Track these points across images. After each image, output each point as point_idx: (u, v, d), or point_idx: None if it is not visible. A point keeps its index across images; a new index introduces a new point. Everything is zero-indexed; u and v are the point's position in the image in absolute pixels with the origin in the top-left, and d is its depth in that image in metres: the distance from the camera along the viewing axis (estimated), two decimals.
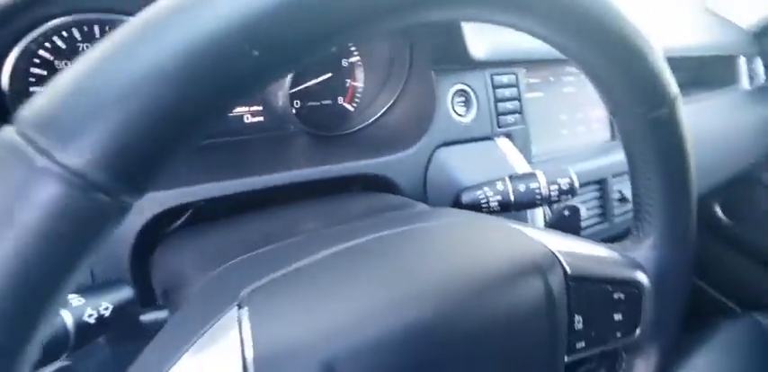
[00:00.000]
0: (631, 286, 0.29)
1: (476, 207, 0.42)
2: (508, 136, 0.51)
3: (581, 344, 0.28)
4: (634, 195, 0.30)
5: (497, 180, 0.42)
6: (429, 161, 0.44)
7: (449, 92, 0.46)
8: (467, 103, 0.48)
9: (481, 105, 0.48)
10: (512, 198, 0.41)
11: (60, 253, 0.13)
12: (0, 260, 0.12)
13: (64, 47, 0.35)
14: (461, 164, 0.45)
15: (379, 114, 0.49)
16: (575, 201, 0.46)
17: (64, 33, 0.34)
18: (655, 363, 0.32)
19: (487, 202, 0.42)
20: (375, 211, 0.35)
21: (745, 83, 0.89)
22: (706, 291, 1.02)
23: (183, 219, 0.36)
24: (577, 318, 0.27)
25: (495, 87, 0.49)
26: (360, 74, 0.49)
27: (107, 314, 0.28)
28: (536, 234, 0.28)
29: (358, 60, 0.49)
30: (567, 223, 0.42)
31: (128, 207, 0.14)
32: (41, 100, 0.13)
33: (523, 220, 0.46)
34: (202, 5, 0.14)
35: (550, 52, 0.24)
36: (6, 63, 0.33)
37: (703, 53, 0.79)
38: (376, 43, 0.48)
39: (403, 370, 0.21)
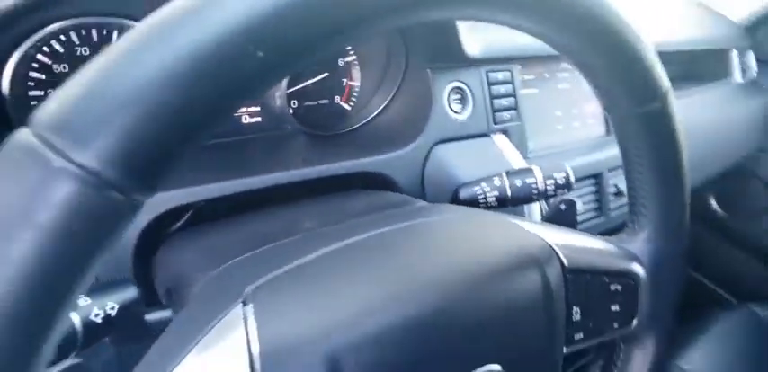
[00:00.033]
0: (628, 277, 0.30)
1: (474, 202, 0.42)
2: (504, 132, 0.51)
3: (579, 335, 0.28)
4: (629, 188, 0.31)
5: (494, 175, 0.43)
6: (426, 158, 0.45)
7: (445, 89, 0.46)
8: (463, 101, 0.48)
9: (477, 102, 0.49)
10: (509, 193, 0.42)
11: (76, 252, 0.13)
12: (18, 259, 0.12)
13: (62, 51, 0.35)
14: (459, 161, 0.46)
15: (375, 113, 0.50)
16: (571, 196, 0.47)
17: (62, 37, 0.34)
18: (652, 353, 0.33)
19: (485, 198, 0.42)
20: (374, 209, 0.35)
21: (737, 76, 0.89)
22: (702, 283, 1.03)
23: (184, 220, 0.36)
24: (575, 310, 0.28)
25: (490, 84, 0.49)
26: (356, 73, 0.50)
27: (113, 313, 0.29)
28: (533, 228, 0.29)
29: (354, 59, 0.49)
30: (563, 217, 0.42)
31: (139, 205, 0.14)
32: (56, 102, 0.14)
33: (521, 215, 0.47)
34: (208, 8, 0.14)
35: (545, 49, 0.25)
36: (6, 68, 0.33)
37: (696, 47, 0.80)
38: (372, 42, 0.49)
39: (405, 362, 0.21)
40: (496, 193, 0.42)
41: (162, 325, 0.30)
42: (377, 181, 0.43)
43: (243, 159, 0.41)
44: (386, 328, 0.21)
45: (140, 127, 0.13)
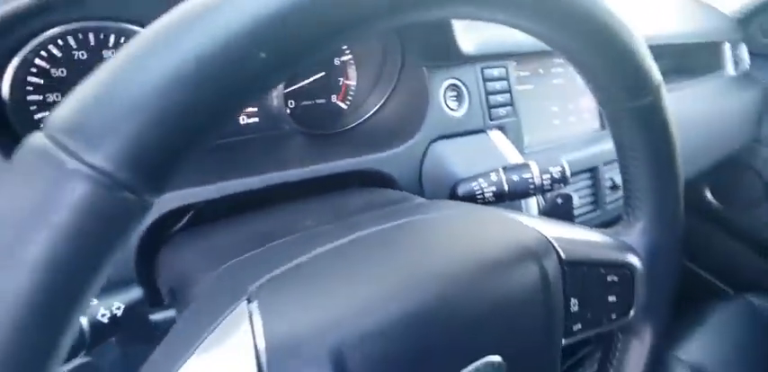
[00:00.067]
0: (624, 268, 0.30)
1: (471, 198, 0.43)
2: (500, 128, 0.51)
3: (577, 326, 0.29)
4: (624, 181, 0.31)
5: (491, 171, 0.43)
6: (424, 155, 0.45)
7: (441, 87, 0.47)
8: (459, 98, 0.49)
9: (473, 99, 0.49)
10: (506, 188, 0.42)
11: (91, 251, 0.14)
12: (35, 259, 0.13)
13: (60, 55, 0.35)
14: (456, 158, 0.46)
15: (372, 111, 0.50)
16: (567, 190, 0.47)
17: (59, 42, 0.35)
18: (649, 344, 0.33)
19: (482, 193, 0.42)
20: (374, 206, 0.35)
21: (730, 69, 0.90)
22: (698, 274, 1.04)
23: (185, 220, 0.36)
24: (573, 301, 0.28)
25: (485, 81, 0.50)
26: (352, 72, 0.50)
27: (119, 313, 0.29)
28: (531, 222, 0.29)
29: (350, 59, 0.50)
30: (560, 211, 0.43)
31: (149, 205, 0.15)
32: (69, 106, 0.14)
33: (518, 209, 0.47)
34: (212, 13, 0.15)
35: (539, 45, 0.25)
36: (6, 72, 0.34)
37: (688, 40, 0.80)
38: (368, 41, 0.49)
39: (407, 354, 0.22)
40: (494, 188, 0.42)
41: (166, 325, 0.30)
42: (375, 179, 0.43)
43: (242, 159, 0.41)
44: (389, 322, 0.21)
45: (150, 128, 0.14)
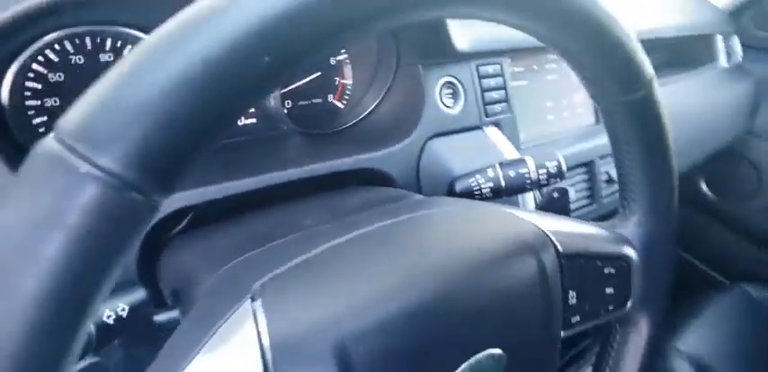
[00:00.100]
0: (621, 260, 0.31)
1: (469, 194, 0.43)
2: (496, 124, 0.52)
3: (576, 318, 0.29)
4: (619, 175, 0.32)
5: (488, 167, 0.43)
6: (421, 153, 0.46)
7: (436, 84, 0.47)
8: (454, 95, 0.49)
9: (468, 96, 0.49)
10: (503, 183, 0.43)
11: (104, 252, 0.14)
12: (50, 259, 0.13)
13: (57, 60, 0.35)
14: (453, 154, 0.46)
15: (369, 110, 0.50)
16: (563, 184, 0.48)
17: (56, 46, 0.35)
18: (647, 334, 0.34)
19: (480, 189, 0.43)
20: (373, 204, 0.36)
21: (722, 61, 0.90)
22: (695, 265, 1.05)
23: (185, 222, 0.36)
24: (571, 294, 0.28)
25: (480, 78, 0.50)
26: (348, 71, 0.50)
27: (124, 315, 0.30)
28: (528, 216, 0.29)
29: (346, 58, 0.50)
30: (556, 205, 0.43)
31: (157, 205, 0.15)
32: (78, 112, 0.14)
33: (515, 205, 0.48)
34: (218, 17, 0.15)
35: (533, 41, 0.25)
36: (6, 78, 0.34)
37: (681, 33, 0.81)
38: (364, 41, 0.49)
39: (410, 348, 0.22)
40: (491, 184, 0.43)
41: (170, 326, 0.31)
42: (373, 178, 0.43)
43: (240, 160, 0.41)
44: (391, 317, 0.22)
45: (158, 131, 0.14)
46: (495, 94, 0.51)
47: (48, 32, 0.33)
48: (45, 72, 0.35)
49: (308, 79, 0.48)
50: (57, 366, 0.14)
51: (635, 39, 0.26)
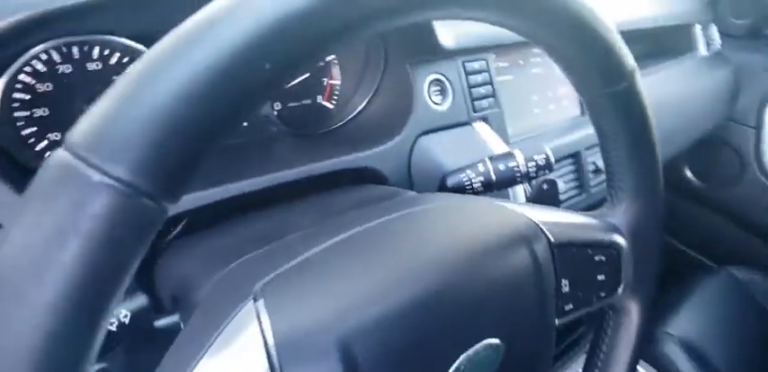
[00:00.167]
0: (611, 248, 0.32)
1: (461, 189, 0.44)
2: (484, 119, 0.52)
3: (569, 306, 0.30)
4: (606, 164, 0.32)
5: (478, 162, 0.44)
6: (412, 150, 0.46)
7: (424, 82, 0.48)
8: (442, 92, 0.49)
9: (456, 92, 0.50)
10: (493, 177, 0.43)
11: (118, 257, 0.15)
12: (68, 269, 0.14)
13: (44, 70, 0.35)
14: (443, 150, 0.47)
15: (358, 110, 0.51)
16: (552, 176, 0.49)
17: (43, 56, 0.34)
18: (638, 318, 0.35)
19: (471, 184, 0.44)
20: (367, 202, 0.36)
21: (702, 49, 0.92)
22: (682, 249, 1.07)
23: (179, 228, 0.36)
24: (564, 282, 0.29)
25: (467, 74, 0.51)
26: (336, 72, 0.50)
27: (126, 321, 0.30)
28: (519, 209, 0.30)
29: (333, 58, 0.50)
30: (546, 196, 0.44)
31: (166, 210, 0.15)
32: (88, 123, 0.15)
33: (506, 198, 0.48)
34: (220, 28, 0.15)
35: (516, 36, 0.26)
36: None
37: (660, 23, 0.82)
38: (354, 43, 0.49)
39: (411, 341, 0.23)
40: (482, 178, 0.43)
41: (171, 331, 0.31)
42: (366, 176, 0.44)
43: (232, 164, 0.41)
44: (391, 311, 0.22)
45: (165, 140, 0.15)
46: (482, 90, 0.52)
47: (37, 44, 0.33)
48: (33, 82, 0.35)
49: (296, 81, 0.48)
50: (76, 369, 0.14)
51: (615, 31, 0.27)
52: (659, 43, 0.89)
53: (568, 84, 0.30)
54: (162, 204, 0.15)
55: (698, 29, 0.92)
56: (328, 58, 0.50)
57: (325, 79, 0.50)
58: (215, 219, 0.37)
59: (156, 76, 0.15)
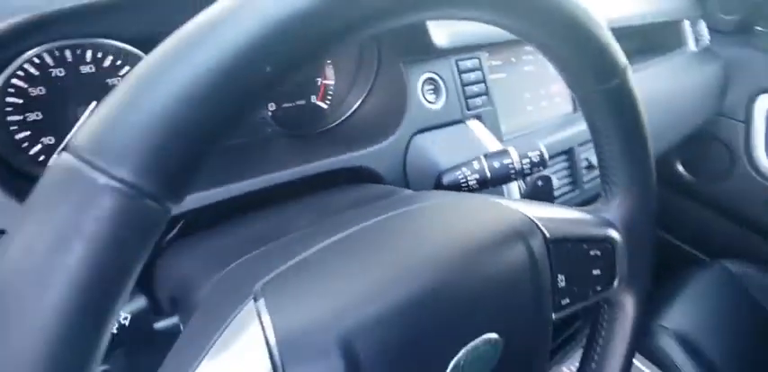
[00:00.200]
0: (605, 242, 0.32)
1: (456, 187, 0.44)
2: (478, 117, 0.53)
3: (566, 301, 0.30)
4: (599, 160, 0.33)
5: (473, 159, 0.44)
6: (407, 149, 0.46)
7: (418, 81, 0.48)
8: (436, 90, 0.50)
9: (450, 91, 0.50)
10: (488, 175, 0.44)
11: (124, 258, 0.15)
12: (74, 271, 0.14)
13: (37, 74, 0.35)
14: (438, 149, 0.47)
15: (353, 109, 0.51)
16: (546, 172, 0.49)
17: (35, 60, 0.34)
18: (633, 312, 0.35)
19: (466, 181, 0.44)
20: (363, 201, 0.36)
21: (691, 45, 0.93)
22: (676, 243, 1.08)
23: (176, 230, 0.37)
24: (560, 277, 0.30)
25: (460, 72, 0.51)
26: (330, 72, 0.50)
27: (126, 323, 0.30)
28: (514, 205, 0.30)
29: (327, 58, 0.50)
30: (541, 193, 0.44)
31: (169, 211, 0.16)
32: (91, 126, 0.15)
33: (501, 195, 0.49)
34: (222, 29, 0.16)
35: (509, 35, 0.26)
36: None
37: (650, 20, 0.83)
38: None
39: (411, 337, 0.23)
40: (477, 176, 0.44)
41: (171, 333, 0.31)
42: (361, 176, 0.44)
43: (228, 166, 0.41)
44: (391, 308, 0.23)
45: (168, 142, 0.15)
46: (475, 88, 0.52)
47: (31, 47, 0.33)
48: (26, 86, 0.35)
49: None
50: (82, 369, 0.14)
51: (607, 29, 0.27)
52: (649, 39, 0.90)
53: (561, 82, 0.30)
54: (165, 205, 0.15)
55: (687, 25, 0.93)
56: None
57: (319, 79, 0.50)
58: (212, 221, 0.37)
59: (159, 79, 0.15)
